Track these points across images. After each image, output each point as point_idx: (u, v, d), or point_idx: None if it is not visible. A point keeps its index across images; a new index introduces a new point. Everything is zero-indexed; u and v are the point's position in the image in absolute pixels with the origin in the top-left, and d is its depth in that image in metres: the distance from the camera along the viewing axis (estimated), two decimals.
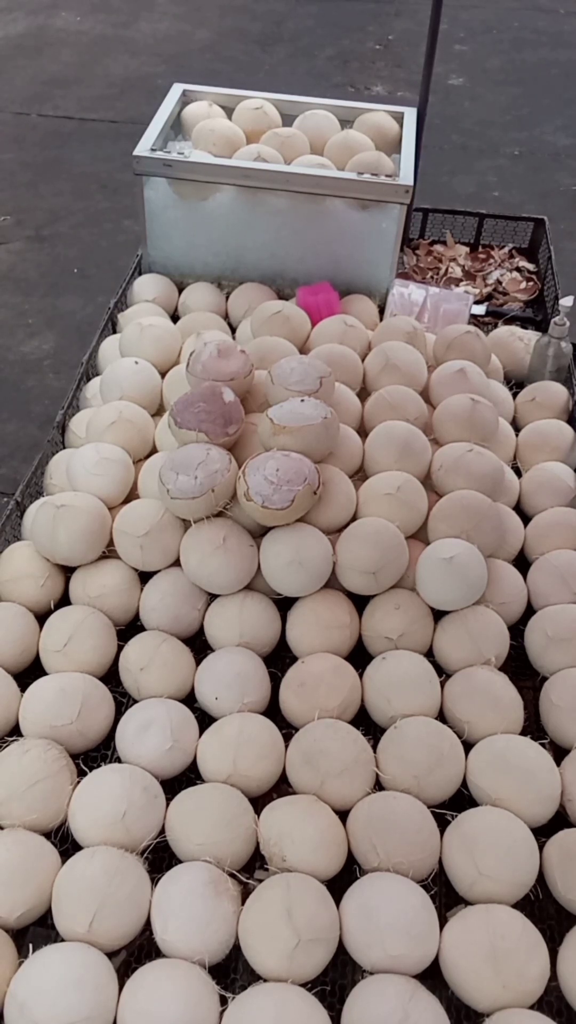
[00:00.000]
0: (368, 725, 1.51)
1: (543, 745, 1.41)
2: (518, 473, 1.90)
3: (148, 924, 1.24)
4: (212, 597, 1.64)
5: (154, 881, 1.27)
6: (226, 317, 2.28)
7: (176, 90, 2.48)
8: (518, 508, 1.82)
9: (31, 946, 1.19)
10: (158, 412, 1.97)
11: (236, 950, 1.23)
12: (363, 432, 1.85)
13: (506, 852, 1.27)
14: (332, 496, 1.65)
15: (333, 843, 1.30)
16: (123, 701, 1.54)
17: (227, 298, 2.32)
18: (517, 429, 1.99)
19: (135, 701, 1.52)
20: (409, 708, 1.46)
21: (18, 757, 1.36)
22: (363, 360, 2.01)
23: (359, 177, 2.13)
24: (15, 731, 1.47)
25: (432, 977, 1.20)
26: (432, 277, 2.53)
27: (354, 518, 1.69)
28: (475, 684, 1.49)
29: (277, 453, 1.60)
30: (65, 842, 1.34)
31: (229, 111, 2.50)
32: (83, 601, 1.62)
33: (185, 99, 2.50)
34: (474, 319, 2.31)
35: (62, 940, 1.22)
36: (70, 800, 1.35)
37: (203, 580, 1.60)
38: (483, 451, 1.74)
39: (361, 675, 1.53)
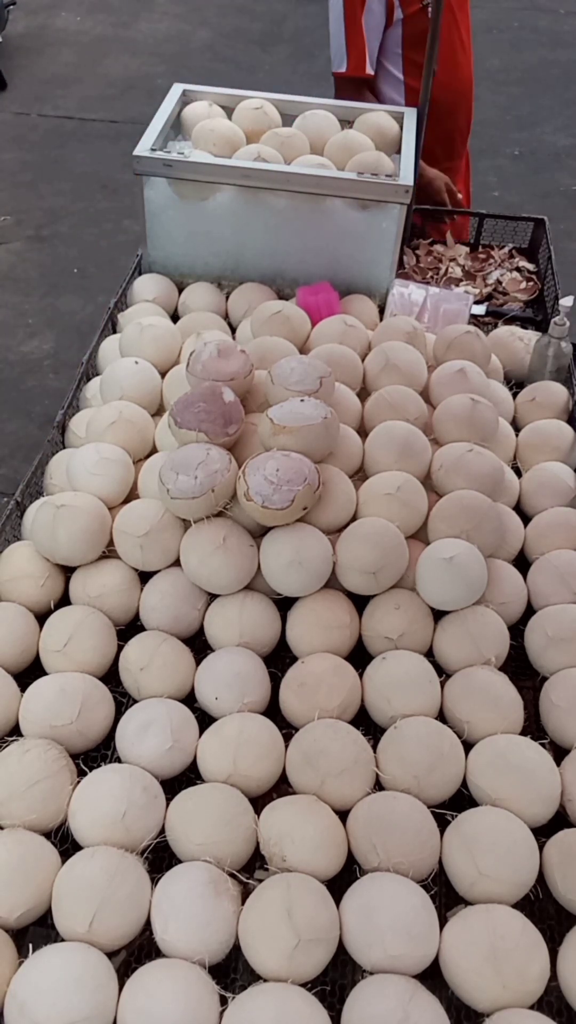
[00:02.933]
0: (368, 725, 1.50)
1: (543, 745, 1.41)
2: (518, 473, 1.90)
3: (148, 924, 1.24)
4: (212, 597, 1.64)
5: (154, 881, 1.27)
6: (226, 317, 2.28)
7: (176, 90, 2.48)
8: (518, 508, 1.82)
9: (31, 946, 1.19)
10: (158, 412, 1.97)
11: (236, 950, 1.23)
12: (363, 432, 1.85)
13: (506, 852, 1.27)
14: (332, 496, 1.65)
15: (333, 843, 1.30)
16: (123, 701, 1.54)
17: (227, 298, 2.32)
18: (517, 429, 1.99)
19: (135, 701, 1.52)
20: (409, 708, 1.46)
21: (18, 757, 1.36)
22: (363, 360, 2.01)
23: (359, 177, 2.13)
24: (15, 731, 1.47)
25: (432, 977, 1.20)
26: (432, 277, 2.53)
27: (354, 518, 1.69)
28: (475, 684, 1.49)
29: (277, 453, 1.60)
30: (65, 842, 1.34)
31: (229, 111, 2.50)
32: (83, 601, 1.62)
33: (185, 99, 2.50)
34: (474, 319, 2.31)
35: (62, 940, 1.22)
36: (70, 800, 1.35)
37: (203, 580, 1.60)
38: (483, 451, 1.74)
39: (361, 675, 1.53)
